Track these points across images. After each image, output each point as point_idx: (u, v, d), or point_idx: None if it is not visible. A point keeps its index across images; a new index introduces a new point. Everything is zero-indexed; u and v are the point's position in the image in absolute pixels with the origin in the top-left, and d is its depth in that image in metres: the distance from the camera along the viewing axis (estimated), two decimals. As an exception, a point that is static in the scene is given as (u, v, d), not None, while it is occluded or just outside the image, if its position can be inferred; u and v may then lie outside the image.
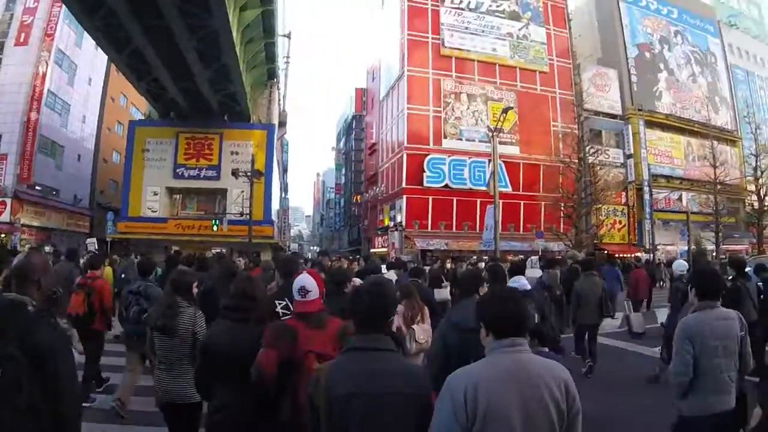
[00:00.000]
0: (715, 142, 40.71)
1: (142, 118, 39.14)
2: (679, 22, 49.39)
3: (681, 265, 9.24)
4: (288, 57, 44.13)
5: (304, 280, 3.16)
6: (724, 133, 47.07)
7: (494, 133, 23.76)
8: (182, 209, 36.71)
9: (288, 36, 43.41)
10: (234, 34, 24.20)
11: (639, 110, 42.44)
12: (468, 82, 37.32)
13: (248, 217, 28.24)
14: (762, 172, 38.79)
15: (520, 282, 5.53)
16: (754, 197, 39.73)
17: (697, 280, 3.92)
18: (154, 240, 31.27)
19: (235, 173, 28.18)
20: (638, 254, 35.99)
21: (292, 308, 3.52)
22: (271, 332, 2.99)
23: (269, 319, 3.46)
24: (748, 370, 3.74)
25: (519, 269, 7.16)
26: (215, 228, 30.06)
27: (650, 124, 42.96)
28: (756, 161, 38.75)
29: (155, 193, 34.82)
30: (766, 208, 38.69)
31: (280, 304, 4.15)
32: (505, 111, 23.90)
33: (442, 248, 33.09)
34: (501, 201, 23.94)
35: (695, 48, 49.93)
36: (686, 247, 36.98)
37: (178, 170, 35.09)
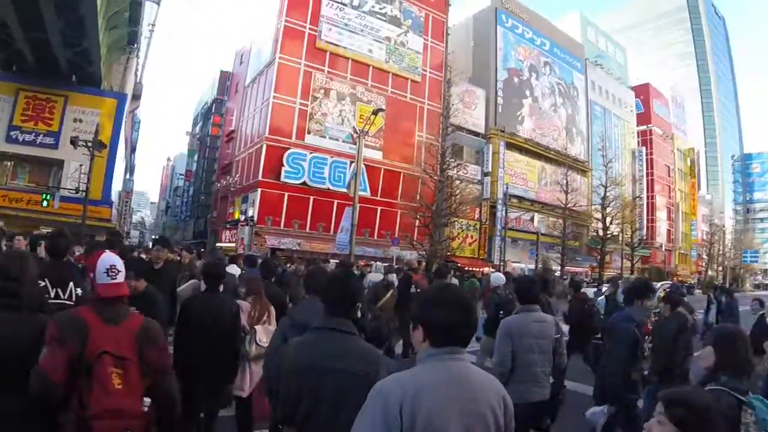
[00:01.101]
0: (569, 171, 43.38)
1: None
2: (550, 54, 52.11)
3: (498, 278, 9.47)
4: (154, 25, 40.64)
5: (113, 258, 2.79)
6: (577, 162, 50.34)
7: (361, 134, 23.22)
8: (12, 179, 32.06)
9: (158, 2, 40.21)
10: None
11: (501, 131, 44.05)
12: (339, 79, 36.46)
13: (84, 194, 25.17)
14: (610, 202, 41.95)
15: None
16: (599, 224, 42.78)
17: (518, 287, 4.59)
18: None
19: (74, 142, 24.70)
20: (486, 269, 37.23)
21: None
22: (56, 325, 2.46)
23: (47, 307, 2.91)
24: (562, 367, 4.45)
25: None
26: (45, 204, 26.48)
27: (510, 146, 44.72)
28: (604, 191, 41.76)
29: None
30: (609, 235, 41.83)
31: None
32: (376, 113, 23.55)
33: (294, 248, 32.01)
34: (359, 205, 23.24)
35: (561, 80, 52.89)
36: (532, 265, 39.13)
37: (12, 133, 30.25)
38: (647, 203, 63.52)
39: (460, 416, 1.81)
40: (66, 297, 3.77)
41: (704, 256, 69.81)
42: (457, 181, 32.73)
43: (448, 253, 32.29)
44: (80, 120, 31.05)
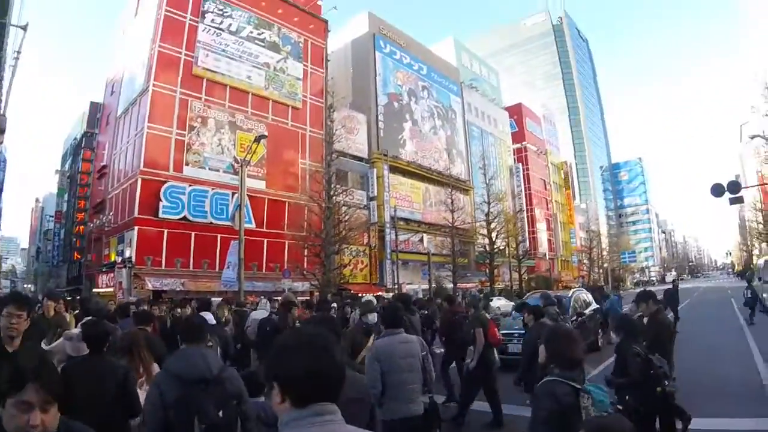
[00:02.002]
0: (452, 190, 44.72)
1: None
2: (427, 79, 53.72)
3: (369, 299, 10.40)
4: (19, 52, 37.39)
5: None
6: (459, 182, 52.02)
7: (243, 164, 22.38)
8: None
9: (24, 28, 36.99)
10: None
11: (384, 155, 44.60)
12: (217, 107, 35.23)
13: None
14: (494, 218, 43.58)
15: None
16: (485, 240, 44.27)
17: (384, 313, 4.96)
18: None
19: None
20: (380, 293, 37.27)
21: None
22: None
23: None
24: (430, 382, 4.67)
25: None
26: None
27: (393, 169, 45.40)
28: (488, 208, 43.32)
29: None
30: (496, 249, 43.38)
31: None
32: (258, 139, 22.59)
33: (177, 288, 30.14)
34: (245, 237, 22.23)
35: (439, 104, 54.63)
36: (425, 285, 39.73)
37: None
38: (527, 216, 66.85)
39: None
40: None
41: (585, 261, 74.27)
42: (345, 207, 32.51)
43: (341, 281, 31.87)
44: None
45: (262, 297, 23.50)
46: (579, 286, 53.00)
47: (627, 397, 4.08)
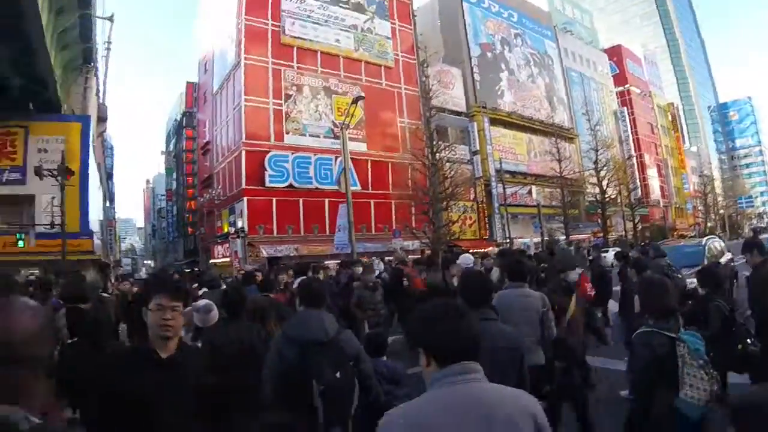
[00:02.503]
0: (557, 139, 42.43)
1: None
2: (519, 26, 51.10)
3: (467, 259, 9.38)
4: (109, 42, 38.80)
5: None
6: (563, 130, 49.21)
7: (343, 127, 21.73)
8: None
9: (110, 19, 38.30)
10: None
11: (483, 108, 42.84)
12: (310, 73, 34.93)
13: (61, 228, 23.21)
14: (603, 165, 41.01)
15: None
16: (595, 189, 41.81)
17: (508, 267, 5.07)
18: (-50, 264, 25.09)
19: (38, 172, 22.60)
20: (491, 248, 35.99)
21: None
22: None
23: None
24: (550, 337, 4.57)
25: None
26: (21, 244, 24.43)
27: (494, 122, 43.62)
28: (596, 155, 40.78)
29: None
30: (607, 198, 40.89)
31: None
32: (356, 101, 21.78)
33: (291, 254, 30.23)
34: (352, 200, 21.70)
35: (534, 51, 51.90)
36: (537, 238, 38.04)
37: None
38: (637, 162, 62.72)
39: None
40: None
41: (700, 208, 69.18)
42: (449, 163, 31.31)
43: (452, 238, 30.78)
44: (45, 149, 28.76)
45: (374, 258, 23.05)
46: (693, 234, 49.64)
47: (710, 353, 3.39)
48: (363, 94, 25.27)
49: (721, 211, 72.21)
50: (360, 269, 9.64)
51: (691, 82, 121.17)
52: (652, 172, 67.39)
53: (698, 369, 3.07)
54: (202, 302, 4.78)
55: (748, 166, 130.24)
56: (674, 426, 3.10)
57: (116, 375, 2.29)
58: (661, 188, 69.49)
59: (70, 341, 4.06)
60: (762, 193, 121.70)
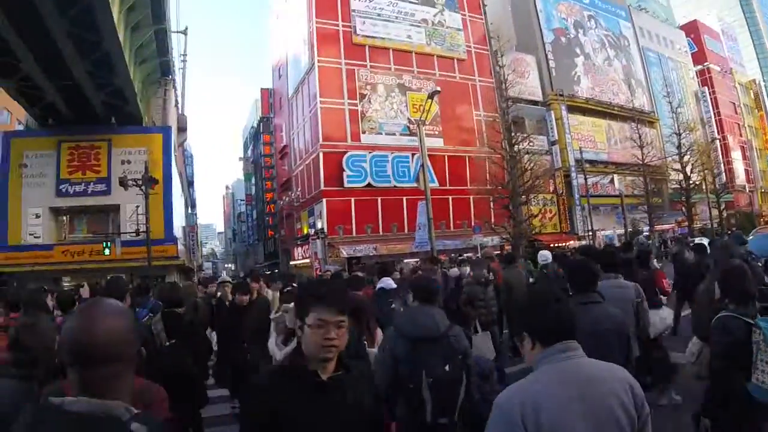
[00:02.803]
0: (638, 124, 40.60)
1: (20, 128, 33.80)
2: (591, 7, 49.25)
3: (543, 256, 9.75)
4: (185, 55, 39.93)
5: None
6: (643, 114, 47.01)
7: (420, 123, 21.31)
8: (70, 232, 31.07)
9: (184, 32, 39.38)
10: (115, 13, 20.12)
11: (560, 95, 41.46)
12: (384, 71, 34.69)
13: (146, 235, 23.72)
14: (687, 150, 38.96)
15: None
16: (678, 175, 39.77)
17: (601, 259, 4.96)
18: (39, 271, 26.32)
19: (122, 183, 23.34)
20: (571, 242, 34.86)
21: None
22: None
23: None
24: (644, 324, 4.78)
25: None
26: (107, 252, 25.20)
27: (571, 109, 42.18)
28: (679, 140, 38.79)
29: (37, 216, 29.03)
30: (692, 185, 38.85)
31: None
32: (432, 96, 21.34)
33: (371, 254, 30.18)
34: (430, 197, 21.30)
35: (608, 32, 49.88)
36: (620, 230, 36.57)
37: (61, 187, 29.51)
38: (720, 145, 59.33)
39: (584, 418, 1.74)
40: None
41: (789, 192, 65.01)
42: (528, 155, 30.32)
43: (533, 232, 29.87)
44: (128, 161, 29.96)
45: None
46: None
47: None
48: (439, 89, 24.83)
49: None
50: (467, 268, 9.36)
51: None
52: (736, 155, 63.68)
53: None
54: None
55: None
56: (747, 409, 3.22)
57: (275, 399, 1.96)
58: (746, 172, 65.59)
59: (168, 343, 4.22)
60: None
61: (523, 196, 28.52)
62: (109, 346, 1.25)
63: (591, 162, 41.44)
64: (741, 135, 67.46)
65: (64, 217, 31.20)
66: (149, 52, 29.40)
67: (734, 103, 68.17)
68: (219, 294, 8.31)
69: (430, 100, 21.43)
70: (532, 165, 29.81)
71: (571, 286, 3.95)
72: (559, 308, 1.97)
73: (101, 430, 1.19)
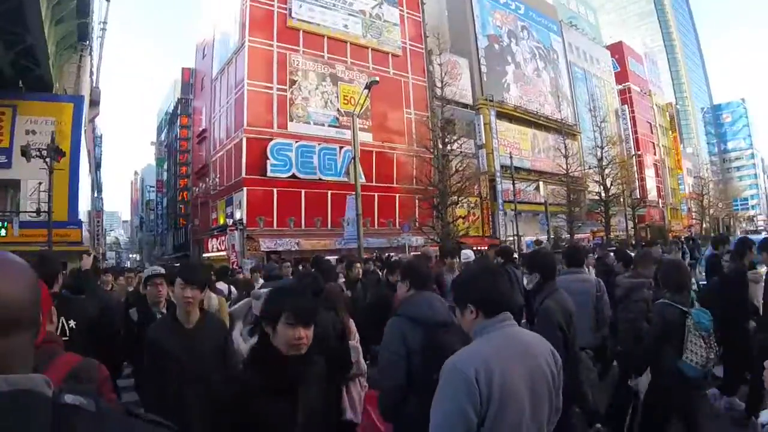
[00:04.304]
0: (564, 135, 41.60)
1: None
2: (526, 18, 50.06)
3: (466, 255, 9.80)
4: (105, 23, 37.03)
5: None
6: (567, 126, 48.29)
7: (354, 114, 20.57)
8: None
9: (107, -1, 36.57)
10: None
11: (489, 101, 41.75)
12: (316, 59, 33.55)
13: (47, 215, 21.25)
14: (608, 163, 40.21)
15: None
16: (597, 187, 40.98)
17: (567, 254, 5.66)
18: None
19: (25, 152, 20.39)
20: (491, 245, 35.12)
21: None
22: None
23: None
24: (603, 319, 5.24)
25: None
26: (2, 232, 22.25)
27: (499, 115, 42.51)
28: (601, 153, 39.97)
29: None
30: (610, 197, 40.13)
31: None
32: (369, 86, 20.52)
33: (293, 248, 29.11)
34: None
35: (540, 44, 50.89)
36: (543, 237, 37.16)
37: None
38: (636, 161, 62.01)
39: (525, 375, 1.98)
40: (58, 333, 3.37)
41: (695, 210, 68.88)
42: (458, 156, 30.18)
43: (460, 234, 29.73)
44: (33, 131, 26.71)
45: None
46: (688, 236, 49.25)
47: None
48: (377, 79, 24.07)
49: (713, 213, 71.96)
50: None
51: (686, 83, 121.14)
52: (650, 172, 66.82)
53: (699, 338, 3.74)
54: (263, 290, 4.61)
55: (738, 168, 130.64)
56: (678, 382, 3.87)
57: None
58: (657, 188, 69.02)
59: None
60: (752, 196, 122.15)
61: (454, 197, 28.34)
62: (5, 310, 0.93)
63: (515, 168, 42.04)
64: (655, 153, 70.91)
65: (-43, 193, 28.00)
66: (67, 12, 26.54)
67: (650, 123, 71.61)
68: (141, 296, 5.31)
69: (366, 90, 20.75)
70: (463, 166, 29.75)
71: (568, 264, 5.35)
72: (501, 281, 2.18)
73: (22, 412, 0.87)
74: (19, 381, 0.91)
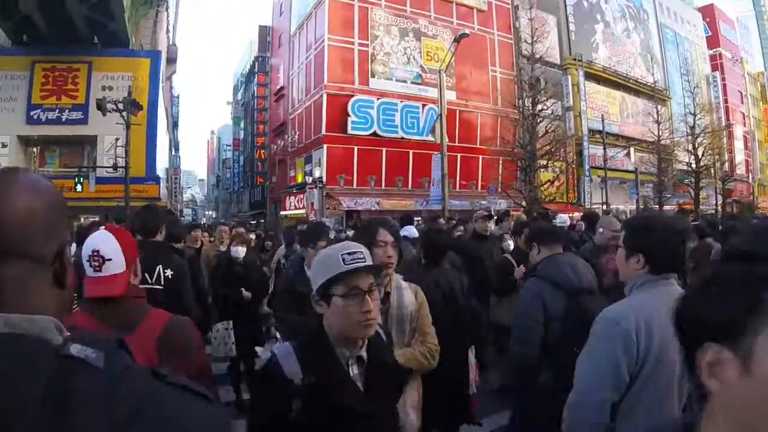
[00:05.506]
0: (655, 100, 39.14)
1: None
2: (615, -26, 46.89)
3: (562, 219, 9.67)
4: (183, -20, 36.69)
5: (100, 240, 1.82)
6: (657, 91, 45.33)
7: (441, 71, 19.48)
8: (41, 165, 27.25)
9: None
10: None
11: (578, 60, 39.38)
12: (399, 13, 32.18)
13: (124, 171, 20.79)
14: (701, 131, 37.57)
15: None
16: (688, 157, 38.41)
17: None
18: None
19: (101, 106, 19.95)
20: (576, 213, 33.39)
21: None
22: None
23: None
24: None
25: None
26: (79, 188, 21.27)
27: (587, 76, 40.14)
28: (694, 120, 37.33)
29: (3, 145, 25.46)
30: (702, 168, 37.56)
31: None
32: (458, 39, 19.45)
33: (372, 208, 28.19)
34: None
35: (630, 2, 47.74)
36: (631, 206, 35.27)
37: (33, 113, 25.91)
38: (725, 133, 58.07)
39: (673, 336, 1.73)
40: (154, 281, 3.55)
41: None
42: (548, 118, 28.32)
43: (548, 200, 28.06)
44: (110, 87, 26.09)
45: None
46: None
47: None
48: (467, 32, 22.74)
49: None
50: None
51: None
52: (739, 145, 62.55)
53: None
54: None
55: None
56: None
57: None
58: (746, 162, 64.67)
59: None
60: None
61: (542, 160, 26.68)
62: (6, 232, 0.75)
63: (603, 133, 39.81)
64: (745, 125, 66.35)
65: (35, 149, 27.92)
66: (142, -36, 26.26)
67: (741, 92, 66.82)
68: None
69: (456, 44, 19.59)
70: (553, 128, 28.03)
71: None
72: (683, 246, 2.13)
73: (14, 362, 0.69)
74: (20, 323, 0.73)
